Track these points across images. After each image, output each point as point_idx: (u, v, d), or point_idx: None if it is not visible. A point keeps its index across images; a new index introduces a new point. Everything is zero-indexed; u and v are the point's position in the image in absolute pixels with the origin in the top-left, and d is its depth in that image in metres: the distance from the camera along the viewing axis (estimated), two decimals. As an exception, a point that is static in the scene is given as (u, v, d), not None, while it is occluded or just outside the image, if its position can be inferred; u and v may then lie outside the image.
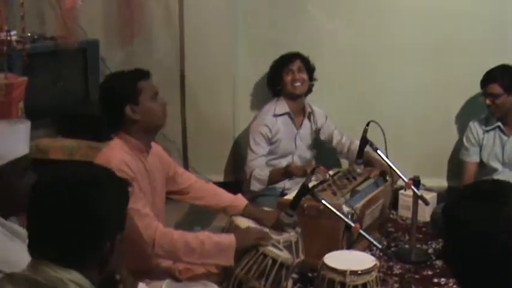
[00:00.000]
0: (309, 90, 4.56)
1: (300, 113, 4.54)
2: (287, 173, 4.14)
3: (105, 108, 2.91)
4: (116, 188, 1.71)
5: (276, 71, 4.52)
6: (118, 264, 1.78)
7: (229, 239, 2.80)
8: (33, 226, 1.63)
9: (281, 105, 4.45)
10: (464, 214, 1.64)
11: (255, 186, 4.22)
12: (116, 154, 2.75)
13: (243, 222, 3.05)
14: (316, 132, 4.63)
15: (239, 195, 3.29)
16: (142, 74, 2.87)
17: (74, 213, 1.60)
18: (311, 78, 4.54)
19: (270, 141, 4.36)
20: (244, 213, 3.16)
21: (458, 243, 1.67)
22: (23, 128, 2.43)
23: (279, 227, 3.07)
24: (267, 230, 3.02)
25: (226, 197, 3.25)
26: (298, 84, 4.41)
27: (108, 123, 2.94)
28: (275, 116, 4.41)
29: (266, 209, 3.32)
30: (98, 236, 1.63)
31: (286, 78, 4.42)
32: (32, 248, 1.63)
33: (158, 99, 2.89)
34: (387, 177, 4.10)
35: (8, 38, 3.77)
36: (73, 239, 1.61)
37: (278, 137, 4.40)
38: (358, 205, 3.72)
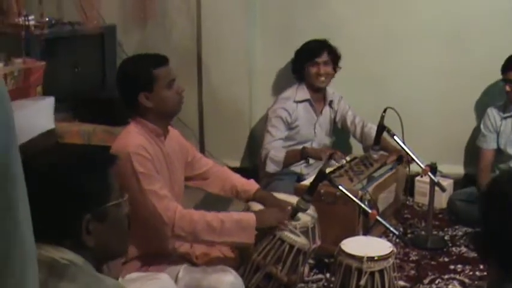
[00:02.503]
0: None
1: (320, 100, 4.51)
2: (303, 154, 4.10)
3: (120, 93, 2.88)
4: (88, 161, 1.71)
5: (300, 61, 4.44)
6: (111, 244, 1.78)
7: (249, 216, 2.79)
8: None
9: (302, 92, 4.41)
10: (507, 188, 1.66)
11: (270, 167, 4.19)
12: (133, 139, 2.74)
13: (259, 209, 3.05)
14: (335, 118, 4.61)
15: (251, 181, 3.29)
16: (159, 61, 2.80)
17: (49, 190, 1.61)
18: (335, 67, 4.47)
19: (289, 126, 4.34)
20: (255, 198, 3.16)
21: (502, 219, 1.67)
22: (46, 103, 2.45)
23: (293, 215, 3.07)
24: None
25: (238, 183, 3.23)
26: (322, 78, 4.37)
27: (125, 107, 2.92)
28: (296, 102, 4.38)
29: (277, 194, 3.29)
30: (63, 208, 1.63)
31: (310, 70, 4.36)
32: None
33: (174, 86, 2.83)
34: (402, 162, 4.09)
35: (26, 22, 3.78)
36: (51, 216, 1.61)
37: (298, 123, 4.37)
38: (370, 188, 3.72)
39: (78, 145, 1.85)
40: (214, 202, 4.11)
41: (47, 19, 4.14)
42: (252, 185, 3.23)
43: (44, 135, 2.30)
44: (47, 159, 1.70)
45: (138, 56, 2.94)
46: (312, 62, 4.36)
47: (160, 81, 2.78)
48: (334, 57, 4.43)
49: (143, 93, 2.75)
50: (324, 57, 4.37)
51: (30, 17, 3.87)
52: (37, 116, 2.43)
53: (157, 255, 2.85)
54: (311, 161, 4.22)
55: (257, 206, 3.08)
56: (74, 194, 1.64)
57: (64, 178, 1.64)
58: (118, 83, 2.87)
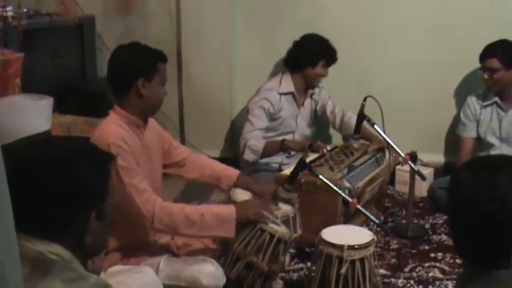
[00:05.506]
0: None
1: (302, 93, 4.51)
2: (283, 147, 4.10)
3: (116, 74, 2.85)
4: (94, 161, 1.70)
5: (311, 57, 4.35)
6: (103, 241, 1.78)
7: (229, 210, 2.78)
8: (12, 200, 1.62)
9: (287, 84, 4.39)
10: (456, 180, 1.66)
11: (248, 155, 4.16)
12: (113, 130, 2.73)
13: (241, 197, 3.05)
14: (316, 108, 4.61)
15: (230, 167, 3.29)
16: (164, 57, 2.87)
17: (50, 186, 1.60)
18: None
19: (271, 117, 4.32)
20: (238, 183, 3.16)
21: (451, 210, 1.70)
22: (45, 104, 2.41)
23: (276, 200, 3.08)
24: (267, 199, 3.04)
25: (218, 168, 3.24)
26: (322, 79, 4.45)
27: (113, 90, 2.87)
28: (280, 94, 4.37)
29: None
30: (74, 208, 1.62)
31: (317, 71, 4.34)
32: None
33: (163, 87, 2.89)
34: (387, 154, 4.10)
35: (4, 14, 3.73)
36: (49, 212, 1.60)
37: (281, 115, 4.37)
38: (360, 184, 3.73)
39: (69, 139, 1.82)
40: (196, 191, 4.11)
41: (25, 10, 4.09)
42: (233, 171, 3.24)
43: (40, 135, 2.28)
44: (50, 156, 1.66)
45: (143, 45, 2.91)
46: (324, 63, 4.36)
47: (160, 75, 2.84)
48: None
49: (142, 80, 2.77)
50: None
51: (8, 8, 3.82)
52: (36, 116, 2.41)
53: (137, 246, 2.84)
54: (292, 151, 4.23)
55: (239, 194, 3.08)
56: (84, 192, 1.63)
57: (75, 178, 1.62)
58: (117, 64, 2.84)
